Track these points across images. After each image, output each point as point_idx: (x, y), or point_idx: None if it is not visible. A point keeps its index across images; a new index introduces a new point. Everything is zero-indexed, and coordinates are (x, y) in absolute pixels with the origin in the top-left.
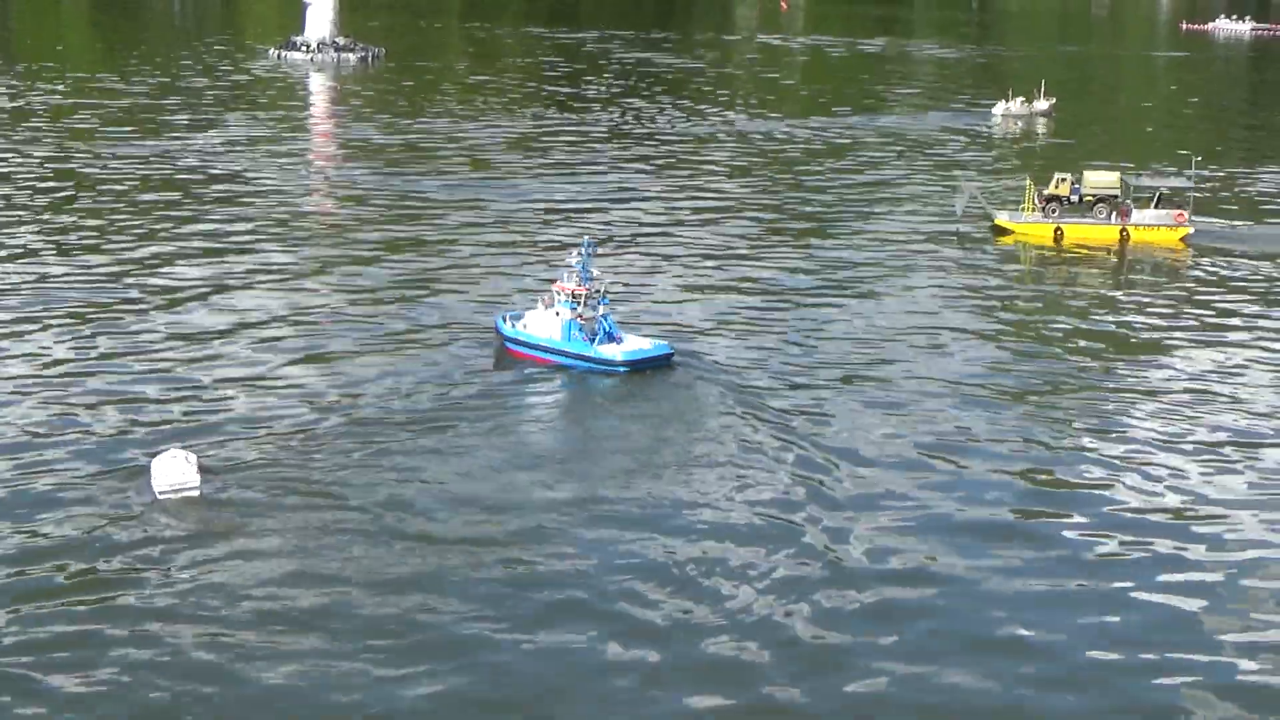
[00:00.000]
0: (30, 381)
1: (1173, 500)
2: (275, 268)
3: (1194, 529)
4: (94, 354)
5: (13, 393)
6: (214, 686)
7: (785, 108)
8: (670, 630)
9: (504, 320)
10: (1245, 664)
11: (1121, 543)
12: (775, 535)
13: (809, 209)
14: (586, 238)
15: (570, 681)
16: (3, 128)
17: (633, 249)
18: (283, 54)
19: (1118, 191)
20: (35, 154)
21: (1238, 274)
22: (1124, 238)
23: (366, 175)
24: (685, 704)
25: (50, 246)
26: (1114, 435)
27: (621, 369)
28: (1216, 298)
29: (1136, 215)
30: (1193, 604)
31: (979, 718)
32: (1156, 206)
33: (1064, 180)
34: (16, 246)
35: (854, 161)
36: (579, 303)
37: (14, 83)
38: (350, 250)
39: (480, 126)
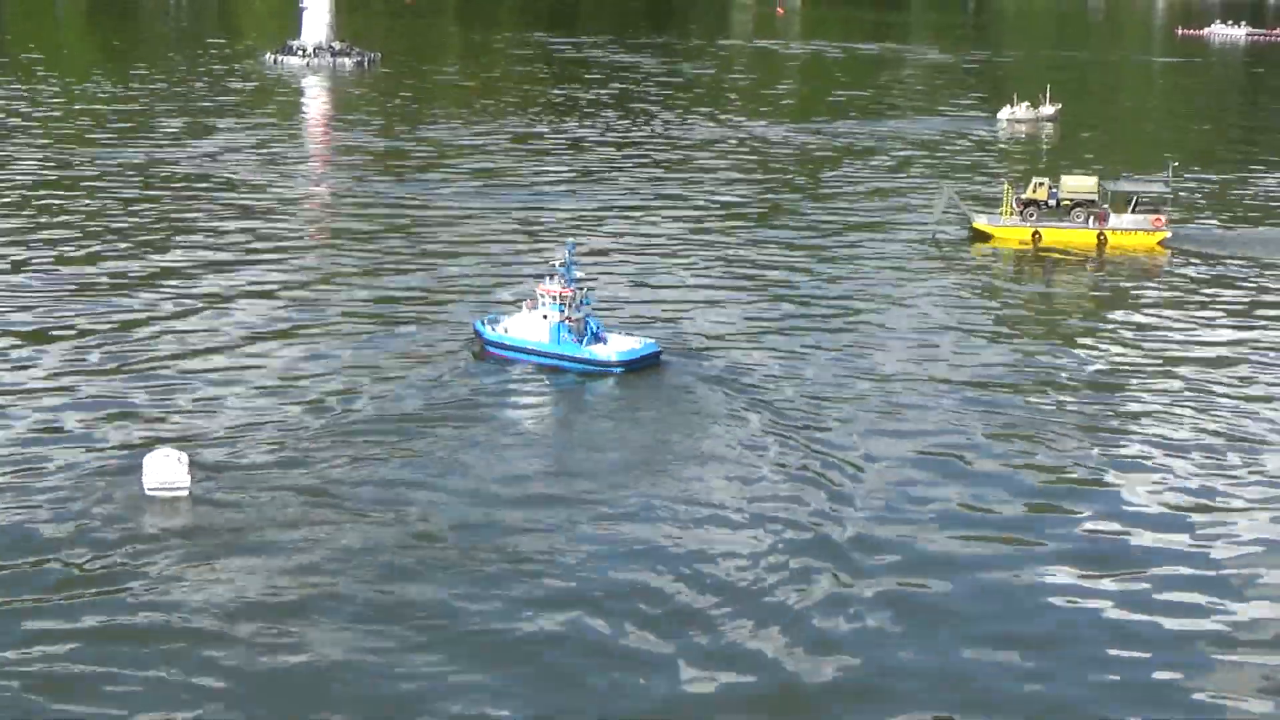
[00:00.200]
0: (27, 381)
1: (1170, 497)
2: (269, 270)
3: (1190, 525)
4: (88, 354)
5: (6, 390)
6: (207, 681)
7: (785, 112)
8: (671, 627)
9: (484, 324)
10: (1245, 660)
11: (1122, 539)
12: (773, 533)
13: (802, 212)
14: (570, 240)
15: (571, 678)
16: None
17: (619, 250)
18: (279, 58)
19: (1095, 196)
20: (32, 157)
21: (1214, 277)
22: (1102, 242)
23: (362, 180)
24: (685, 702)
25: (45, 248)
26: (1100, 433)
27: (618, 369)
28: (1193, 300)
29: (1114, 220)
30: (1194, 599)
31: (983, 708)
32: (1134, 211)
33: (1042, 185)
34: (12, 248)
35: (853, 166)
36: (567, 305)
37: (9, 87)
38: (345, 252)
39: (475, 131)
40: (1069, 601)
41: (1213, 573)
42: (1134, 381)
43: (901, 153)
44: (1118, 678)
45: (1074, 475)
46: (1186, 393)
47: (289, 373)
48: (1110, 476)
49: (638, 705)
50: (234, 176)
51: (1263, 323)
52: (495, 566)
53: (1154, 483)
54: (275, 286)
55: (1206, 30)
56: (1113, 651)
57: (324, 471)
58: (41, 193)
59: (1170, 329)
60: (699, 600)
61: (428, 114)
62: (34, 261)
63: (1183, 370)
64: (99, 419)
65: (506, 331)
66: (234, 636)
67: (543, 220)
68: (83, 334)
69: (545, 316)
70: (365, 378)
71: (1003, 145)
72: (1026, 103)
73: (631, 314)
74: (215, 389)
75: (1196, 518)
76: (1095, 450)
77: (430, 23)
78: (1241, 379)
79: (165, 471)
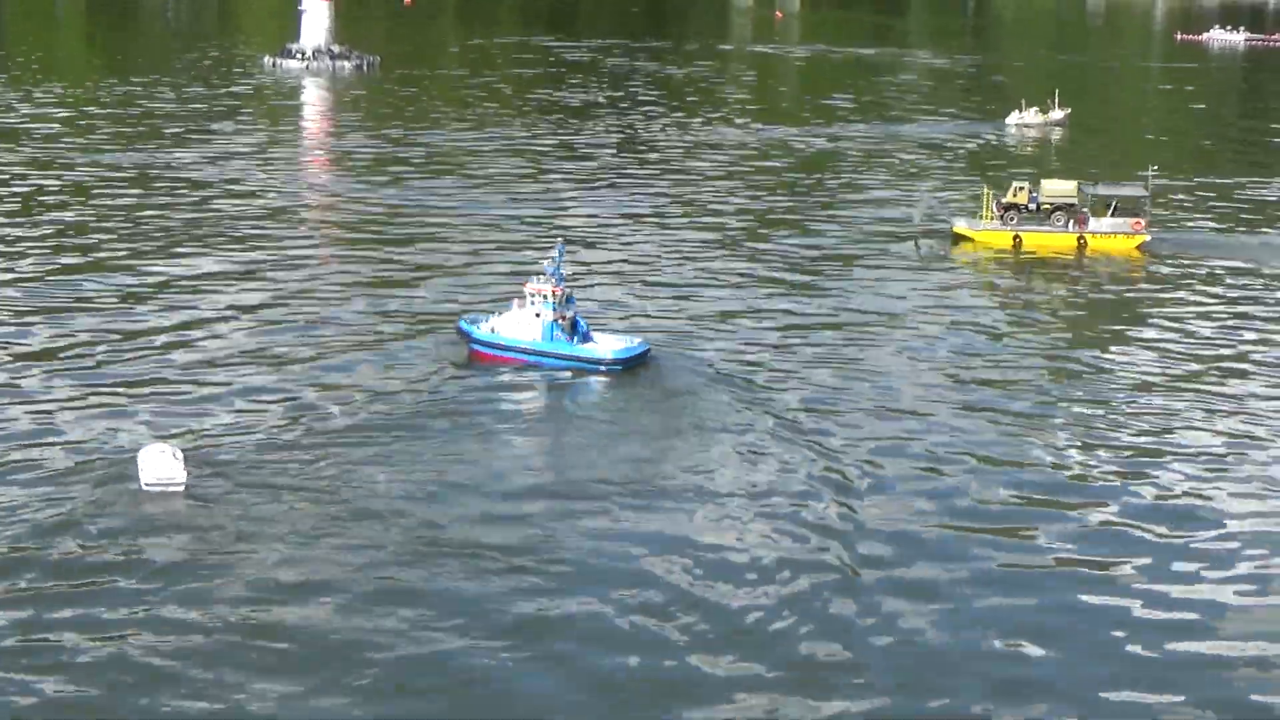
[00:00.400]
0: (24, 381)
1: (1162, 497)
2: (267, 272)
3: (1188, 521)
4: (84, 353)
5: (3, 390)
6: (201, 677)
7: (785, 116)
8: (673, 625)
9: (469, 324)
10: (1244, 659)
11: (1121, 537)
12: (773, 531)
13: (800, 216)
14: (560, 240)
15: (572, 677)
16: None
17: (612, 251)
18: (278, 61)
19: (1075, 200)
20: (31, 160)
21: (1193, 279)
22: (1082, 245)
23: (360, 182)
24: (689, 699)
25: (42, 249)
26: (1091, 431)
27: (615, 367)
28: (1171, 302)
29: (1094, 223)
30: (1191, 596)
31: (987, 705)
32: (1113, 214)
33: (1022, 188)
34: (10, 248)
35: (857, 169)
36: (559, 303)
37: (7, 90)
38: (342, 254)
39: (474, 134)
40: (1070, 597)
41: (1212, 570)
42: (1118, 381)
43: (908, 157)
44: (1119, 671)
45: (1069, 473)
46: (1171, 391)
47: (287, 373)
48: (1106, 474)
49: (638, 701)
50: (233, 178)
51: (1241, 324)
52: (496, 561)
53: (1146, 480)
54: (273, 288)
55: (1205, 35)
56: (1114, 648)
57: (321, 468)
58: (39, 193)
59: (1149, 330)
60: (700, 597)
61: (427, 117)
62: (32, 262)
63: (1164, 369)
64: (95, 417)
65: (498, 330)
66: (234, 632)
67: (542, 222)
68: (78, 333)
69: (538, 315)
70: (360, 377)
71: (1011, 150)
72: (1035, 107)
73: (622, 314)
74: (210, 388)
75: (1193, 514)
76: (1090, 447)
77: (429, 25)
78: (1224, 377)
79: (162, 467)
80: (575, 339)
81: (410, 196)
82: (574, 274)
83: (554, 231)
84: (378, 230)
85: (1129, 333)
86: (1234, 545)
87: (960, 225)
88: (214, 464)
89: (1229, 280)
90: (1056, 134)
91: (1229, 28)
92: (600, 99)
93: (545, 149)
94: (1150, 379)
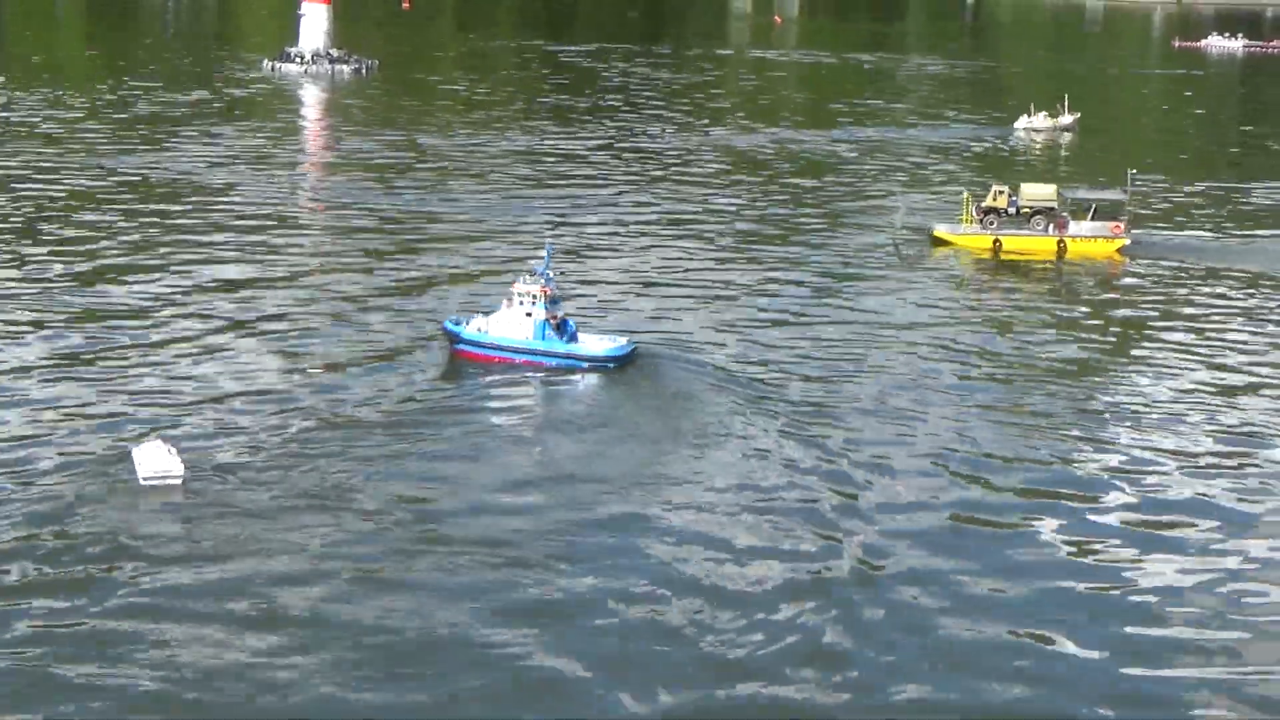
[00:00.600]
0: (21, 380)
1: (1158, 500)
2: (263, 273)
3: (1185, 518)
4: (81, 353)
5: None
6: (203, 670)
7: (787, 121)
8: (675, 623)
9: (455, 324)
10: (1244, 657)
11: (1123, 534)
12: (774, 529)
13: (801, 220)
14: (548, 241)
15: (572, 678)
16: None
17: (606, 253)
18: (277, 65)
19: (1055, 204)
20: (31, 162)
21: (1170, 283)
22: (1061, 249)
23: (359, 186)
24: (691, 698)
25: (40, 249)
26: (1079, 430)
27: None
28: (1151, 307)
29: (1074, 227)
30: (1191, 594)
31: (990, 702)
32: (1093, 218)
33: (1001, 192)
34: (7, 249)
35: (861, 172)
36: (551, 303)
37: (5, 92)
38: (339, 258)
39: (472, 138)
40: (1071, 593)
41: (1210, 568)
42: (1098, 381)
43: (912, 161)
44: (1122, 671)
45: (1068, 471)
46: (1150, 390)
47: (283, 371)
48: (1098, 471)
49: (640, 703)
50: (230, 181)
51: (1220, 326)
52: (498, 554)
53: (1141, 489)
54: (269, 288)
55: (1203, 42)
56: (1116, 646)
57: (318, 464)
58: (37, 194)
59: (1127, 332)
60: (702, 593)
61: (426, 120)
62: (29, 261)
63: (1143, 370)
64: (93, 415)
65: (487, 331)
66: (237, 624)
67: (541, 224)
68: (76, 334)
69: (529, 314)
70: (357, 375)
71: (1020, 154)
72: (1044, 112)
73: (621, 315)
74: (206, 386)
75: (1180, 510)
76: (1082, 445)
77: (428, 29)
78: (1204, 378)
79: (159, 461)
80: (564, 338)
81: (408, 199)
82: (572, 275)
83: (549, 234)
84: (376, 232)
85: (1110, 335)
86: (1226, 539)
87: (940, 229)
88: (209, 460)
89: (1207, 283)
90: (1065, 139)
91: (1227, 34)
92: (598, 103)
93: (543, 152)
94: (1136, 379)
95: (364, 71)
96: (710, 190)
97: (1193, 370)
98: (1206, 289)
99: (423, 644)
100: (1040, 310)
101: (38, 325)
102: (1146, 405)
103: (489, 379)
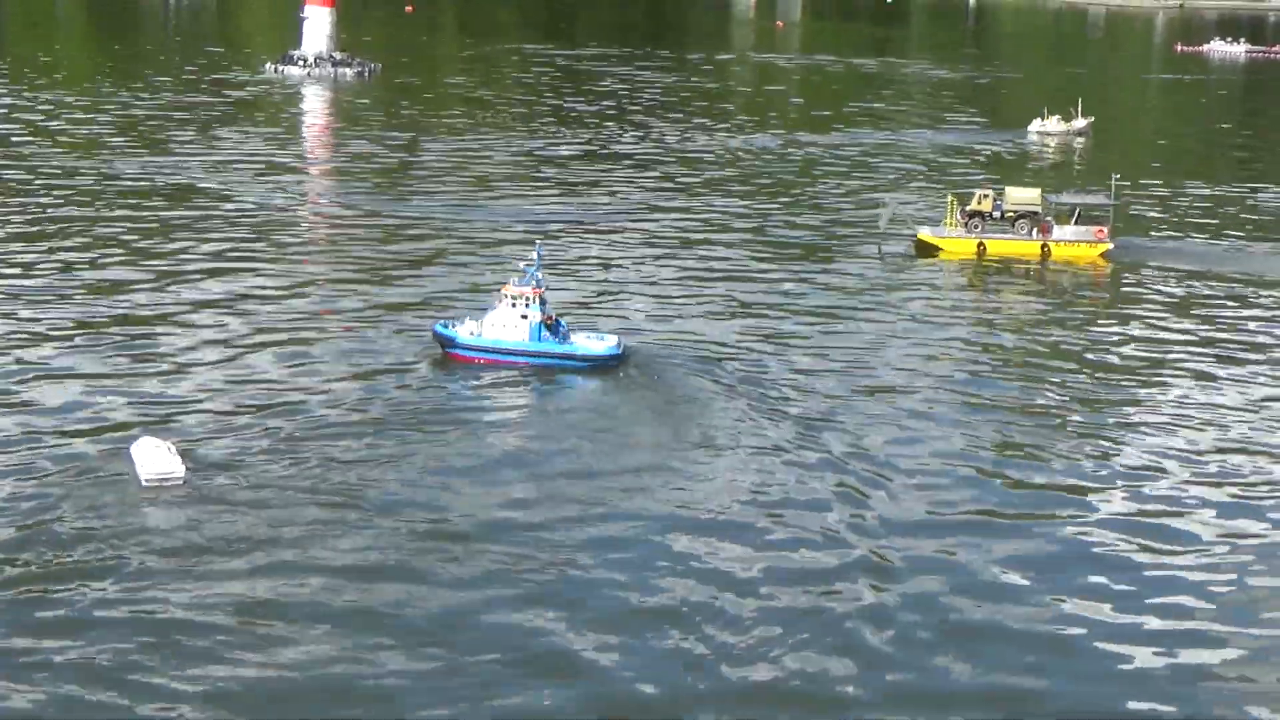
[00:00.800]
0: (20, 380)
1: (1159, 499)
2: (264, 275)
3: (1184, 516)
4: (81, 353)
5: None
6: (196, 671)
7: (788, 124)
8: (677, 621)
9: (446, 327)
10: (1253, 648)
11: (1123, 533)
12: (773, 528)
13: (800, 222)
14: (538, 242)
15: (573, 678)
16: None
17: (603, 254)
18: (280, 68)
19: (1039, 208)
20: (31, 164)
21: (1153, 287)
22: (1045, 253)
23: (361, 189)
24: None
25: (40, 249)
26: (1069, 437)
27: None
28: (1130, 309)
29: (1057, 231)
30: (1189, 594)
31: (995, 700)
32: (1077, 223)
33: (986, 196)
34: (7, 249)
35: (864, 174)
36: (544, 304)
37: (5, 94)
38: (339, 259)
39: (475, 142)
40: (1072, 596)
41: (1210, 567)
42: (1098, 380)
43: (915, 164)
44: (1128, 668)
45: (1067, 469)
46: (1136, 392)
47: (283, 372)
48: (1097, 469)
49: (642, 704)
50: (233, 183)
51: (1201, 329)
52: (499, 552)
53: (1126, 486)
54: (270, 290)
55: (1206, 47)
56: (1119, 646)
57: (319, 463)
58: (37, 194)
59: (1110, 336)
60: (704, 592)
61: (428, 124)
62: (30, 261)
63: (1129, 375)
64: (92, 414)
65: (481, 333)
66: (240, 621)
67: (541, 226)
68: (75, 334)
69: (525, 316)
70: (356, 376)
71: (1033, 158)
72: (1057, 116)
73: (614, 315)
74: (205, 386)
75: (1173, 510)
76: (1083, 445)
77: (430, 33)
78: (1185, 380)
79: (160, 461)
80: (557, 338)
81: (411, 202)
82: (572, 275)
83: (548, 232)
84: (376, 234)
85: (1094, 337)
86: (1220, 543)
87: (925, 233)
88: (209, 459)
89: (1190, 286)
90: (1078, 143)
91: (1229, 39)
92: (600, 107)
93: (545, 156)
94: (1123, 382)
95: (366, 74)
96: (710, 192)
97: (1179, 375)
98: (1189, 293)
99: (423, 638)
100: (1022, 313)
101: (38, 325)
102: (1146, 405)
103: (485, 380)
